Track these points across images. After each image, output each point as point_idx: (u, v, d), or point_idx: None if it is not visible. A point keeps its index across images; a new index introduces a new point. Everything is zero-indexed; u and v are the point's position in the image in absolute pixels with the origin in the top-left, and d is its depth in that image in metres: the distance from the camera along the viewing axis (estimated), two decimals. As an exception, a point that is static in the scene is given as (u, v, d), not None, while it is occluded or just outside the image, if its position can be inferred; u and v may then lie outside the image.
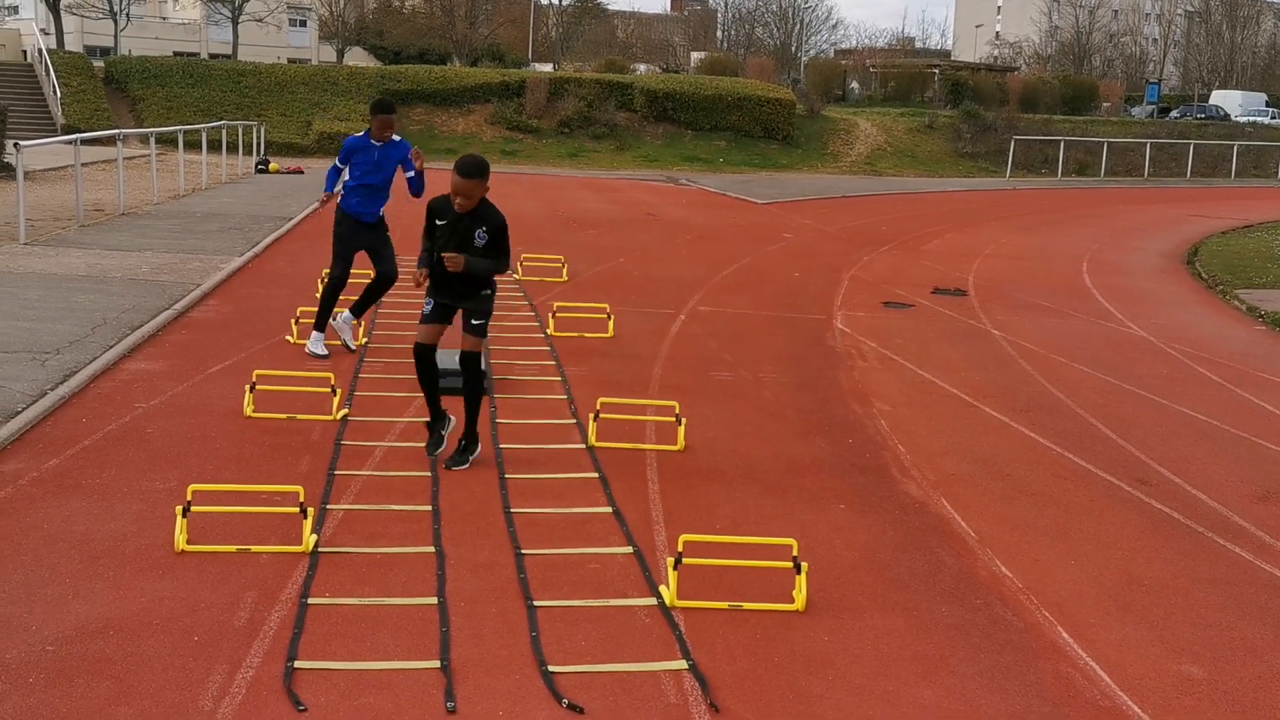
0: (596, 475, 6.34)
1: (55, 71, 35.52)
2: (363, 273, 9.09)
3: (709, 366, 9.24)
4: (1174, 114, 59.01)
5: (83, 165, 16.07)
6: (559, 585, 4.89)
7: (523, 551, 5.23)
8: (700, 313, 11.62)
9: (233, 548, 5.08)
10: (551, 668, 4.17)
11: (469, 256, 6.12)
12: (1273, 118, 59.34)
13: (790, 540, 4.98)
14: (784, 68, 62.80)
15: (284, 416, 7.10)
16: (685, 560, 4.80)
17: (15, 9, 59.34)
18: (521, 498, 5.94)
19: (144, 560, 4.93)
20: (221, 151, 24.96)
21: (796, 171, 38.13)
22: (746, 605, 4.76)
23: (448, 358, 8.13)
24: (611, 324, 10.20)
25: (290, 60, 53.05)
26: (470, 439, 6.42)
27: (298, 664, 4.11)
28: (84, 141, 16.27)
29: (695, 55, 67.09)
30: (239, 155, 27.03)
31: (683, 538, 4.92)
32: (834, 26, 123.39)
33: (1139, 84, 71.55)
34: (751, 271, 14.82)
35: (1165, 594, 5.18)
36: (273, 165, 27.42)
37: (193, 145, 24.76)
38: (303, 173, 27.66)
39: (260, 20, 54.09)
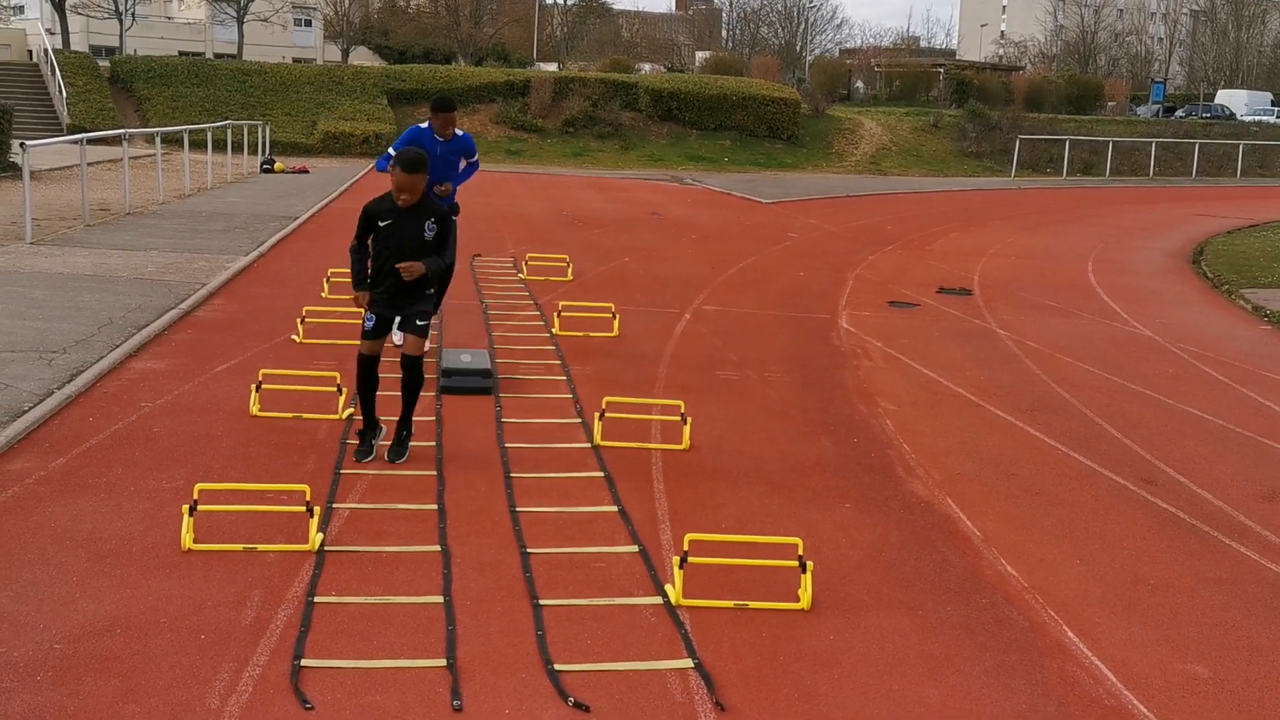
0: (602, 474, 6.35)
1: (61, 71, 35.58)
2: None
3: (714, 366, 9.24)
4: (1179, 113, 58.94)
5: (88, 165, 16.10)
6: (565, 584, 4.90)
7: (528, 550, 5.23)
8: (705, 312, 11.62)
9: (239, 546, 5.09)
10: (557, 666, 4.17)
11: (426, 260, 6.11)
12: (1278, 117, 59.27)
13: (795, 539, 4.99)
14: (789, 67, 62.74)
15: (290, 416, 7.11)
16: (691, 559, 4.80)
17: (21, 8, 59.41)
18: (527, 497, 5.94)
19: (151, 559, 4.94)
20: (227, 151, 24.98)
21: (801, 171, 38.11)
22: (752, 604, 4.77)
23: (453, 356, 8.17)
24: (616, 323, 10.20)
25: (295, 60, 53.07)
26: (408, 428, 6.41)
27: (304, 662, 4.11)
28: (89, 141, 16.29)
29: (700, 55, 67.09)
30: (244, 155, 27.05)
31: (688, 536, 4.92)
32: (839, 26, 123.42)
33: (1144, 83, 71.44)
34: (756, 271, 14.82)
35: (1171, 593, 5.18)
36: (278, 165, 27.44)
37: (198, 145, 24.79)
38: (308, 172, 27.68)
39: (265, 20, 54.17)
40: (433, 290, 6.36)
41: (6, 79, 36.54)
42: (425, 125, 8.62)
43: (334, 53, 61.24)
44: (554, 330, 10.04)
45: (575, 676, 4.12)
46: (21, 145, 14.14)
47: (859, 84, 62.00)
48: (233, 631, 4.33)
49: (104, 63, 39.31)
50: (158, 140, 20.16)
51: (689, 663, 4.26)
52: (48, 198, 18.06)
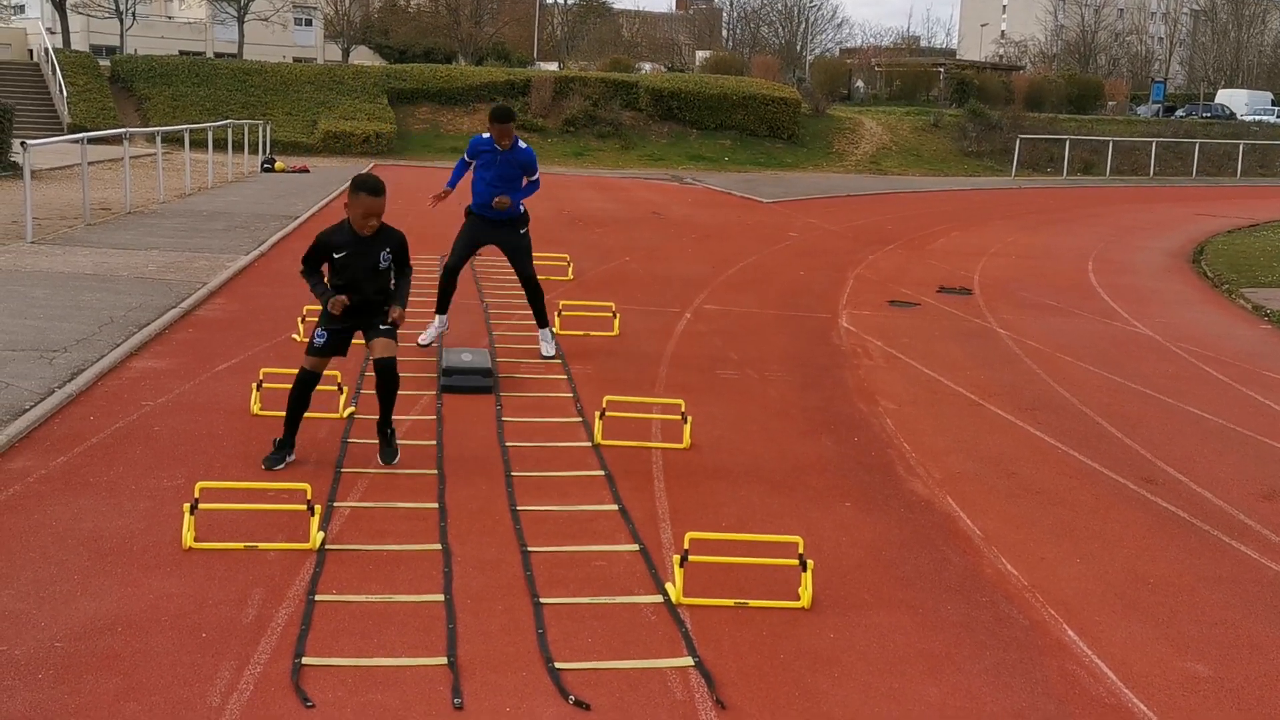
0: (602, 473, 6.35)
1: (61, 70, 35.60)
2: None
3: (714, 365, 9.25)
4: (1179, 113, 58.94)
5: (89, 164, 16.10)
6: (565, 582, 4.90)
7: (529, 549, 5.24)
8: (706, 311, 11.63)
9: (240, 545, 5.10)
10: (558, 665, 4.18)
11: (398, 298, 6.09)
12: (1278, 117, 59.24)
13: (796, 538, 4.99)
14: (789, 67, 62.76)
15: (291, 414, 7.10)
16: (691, 558, 4.80)
17: (21, 8, 59.47)
18: (528, 495, 5.95)
19: (152, 557, 4.95)
20: (227, 150, 24.99)
21: (802, 170, 38.12)
22: (752, 602, 4.77)
23: (454, 355, 8.18)
24: (617, 322, 10.21)
25: (296, 59, 53.10)
26: (391, 426, 6.33)
27: (305, 660, 4.12)
28: (90, 140, 16.30)
29: (700, 54, 67.10)
30: (245, 154, 27.06)
31: (689, 535, 4.93)
32: (839, 25, 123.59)
33: (1144, 83, 71.47)
34: (757, 270, 14.83)
35: (1171, 592, 5.18)
36: (278, 164, 27.45)
37: (199, 144, 24.81)
38: (308, 171, 27.69)
39: (266, 19, 54.20)
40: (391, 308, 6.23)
41: (7, 78, 36.57)
42: (486, 135, 8.66)
43: (334, 52, 61.28)
44: (555, 329, 10.04)
45: (576, 675, 4.13)
46: (22, 144, 14.15)
47: (859, 83, 62.02)
48: (234, 630, 4.34)
49: (105, 62, 39.34)
50: (158, 140, 20.17)
51: (689, 661, 4.27)
52: (48, 197, 18.06)
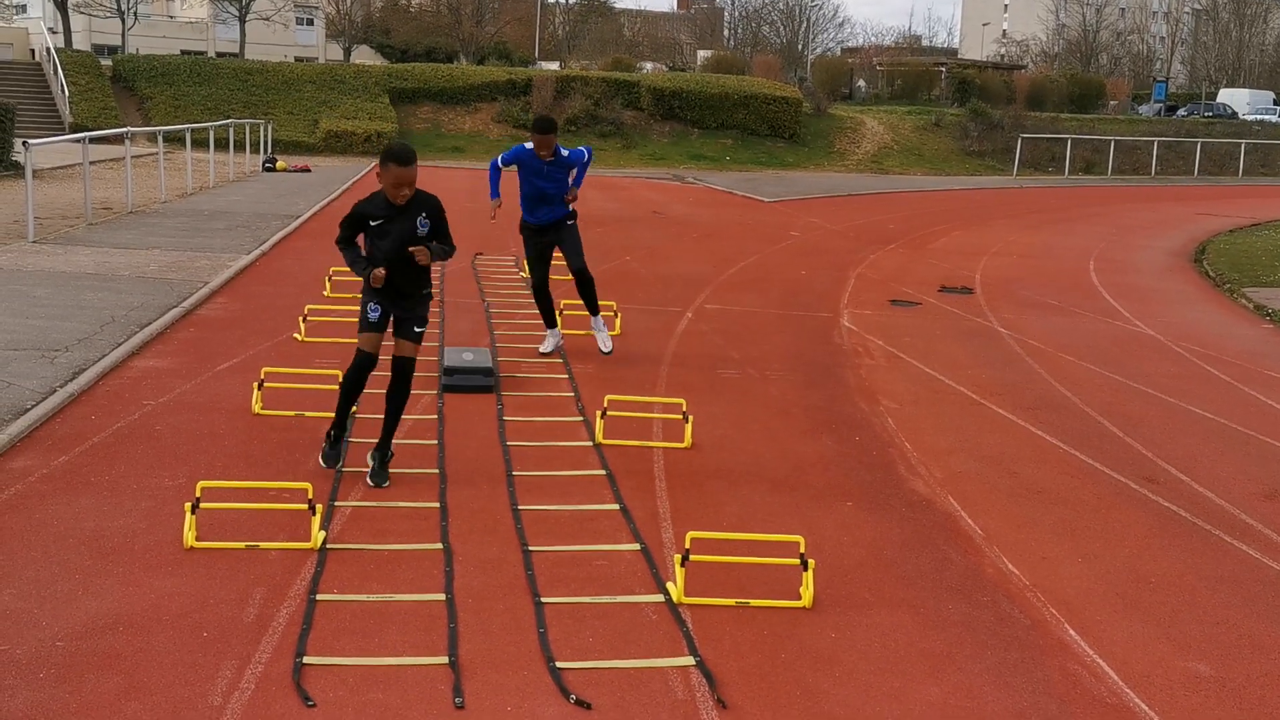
0: (604, 472, 6.35)
1: (63, 70, 35.62)
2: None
3: (716, 364, 9.25)
4: (1181, 112, 58.92)
5: (91, 164, 16.11)
6: (567, 582, 4.90)
7: (530, 548, 5.24)
8: (707, 311, 11.62)
9: (241, 544, 5.10)
10: (559, 664, 4.18)
11: (431, 245, 5.94)
12: (1280, 116, 59.21)
13: (797, 537, 4.99)
14: (790, 66, 62.76)
15: (292, 414, 7.12)
16: (692, 557, 4.80)
17: (23, 8, 59.53)
18: (529, 495, 5.95)
19: (153, 557, 4.95)
20: (229, 150, 24.99)
21: (803, 170, 38.12)
22: (754, 602, 4.77)
23: (455, 355, 8.17)
24: (619, 322, 10.21)
25: (297, 59, 53.13)
26: (390, 447, 6.09)
27: (306, 660, 4.12)
28: (92, 140, 16.30)
29: (702, 54, 67.10)
30: (246, 154, 27.06)
31: (690, 534, 4.93)
32: (841, 25, 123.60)
33: (1146, 82, 71.46)
34: (758, 269, 14.83)
35: (1173, 591, 5.18)
36: (280, 164, 27.46)
37: (200, 144, 24.81)
38: (309, 170, 27.69)
39: (267, 19, 54.21)
40: (428, 291, 6.20)
41: (9, 78, 36.58)
42: (528, 145, 8.64)
43: (336, 51, 61.30)
44: (560, 329, 10.03)
45: (577, 674, 4.12)
46: (24, 144, 14.15)
47: (861, 83, 62.00)
48: (235, 629, 4.34)
49: (106, 62, 39.34)
50: (160, 139, 20.17)
51: (690, 660, 4.27)
52: (50, 196, 18.07)
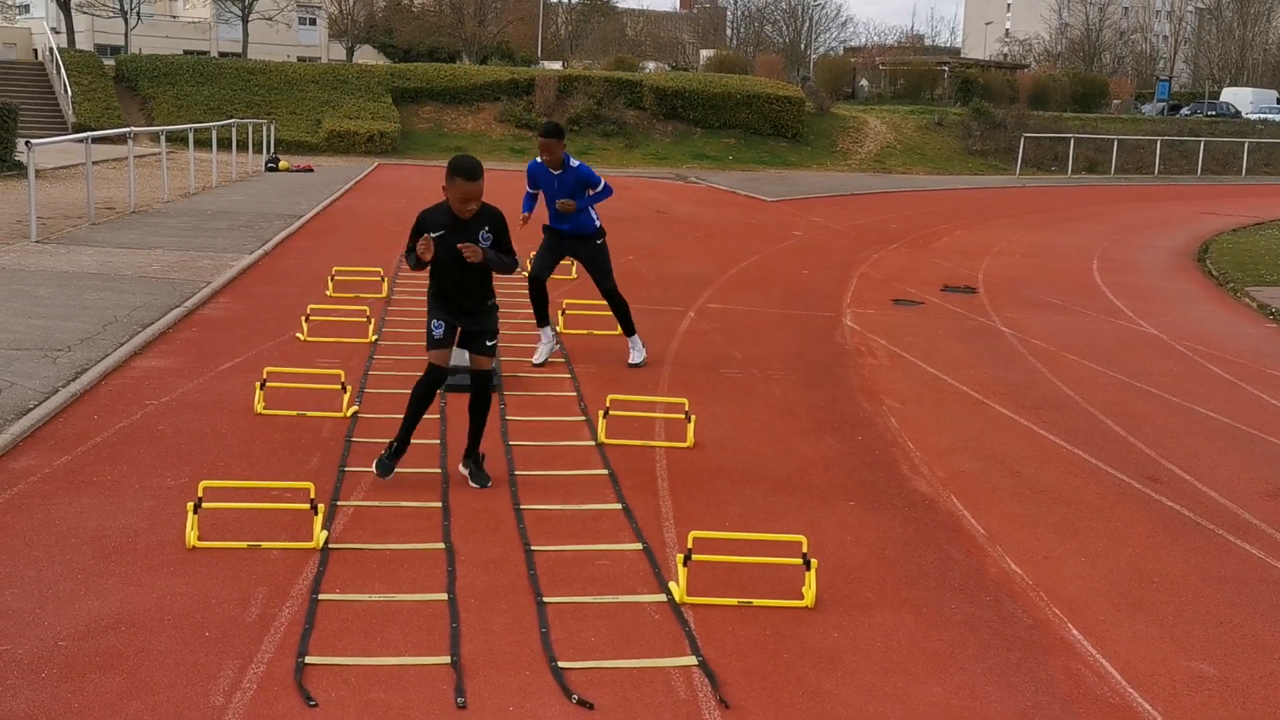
0: (606, 472, 6.35)
1: (66, 70, 35.65)
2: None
3: (718, 364, 9.24)
4: (1184, 111, 58.86)
5: (93, 163, 16.12)
6: (569, 582, 4.90)
7: (532, 548, 5.23)
8: (709, 310, 11.62)
9: (243, 544, 5.10)
10: (561, 664, 4.17)
11: (485, 249, 5.85)
12: (1283, 115, 59.10)
13: (800, 537, 4.98)
14: (793, 65, 62.75)
15: (294, 413, 7.12)
16: (695, 557, 4.80)
17: (26, 8, 59.61)
18: (531, 494, 5.95)
19: (155, 556, 4.95)
20: (231, 150, 25.02)
21: (806, 169, 38.10)
22: (756, 602, 4.76)
23: (457, 355, 8.16)
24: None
25: (300, 58, 53.17)
26: (479, 451, 6.19)
27: (308, 659, 4.12)
28: (95, 140, 16.33)
29: (704, 53, 67.11)
30: (249, 153, 27.08)
31: (692, 534, 4.92)
32: (843, 24, 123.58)
33: (1149, 81, 71.42)
34: (761, 269, 14.82)
35: (1175, 591, 5.17)
36: (282, 163, 27.47)
37: (203, 143, 24.82)
38: (312, 170, 27.71)
39: (270, 19, 54.29)
40: (494, 302, 6.11)
41: (12, 78, 36.62)
42: (539, 160, 8.64)
43: (338, 51, 61.36)
44: (558, 328, 10.03)
45: (579, 674, 4.12)
46: (27, 144, 14.15)
47: (863, 82, 61.96)
48: (237, 629, 4.34)
49: (109, 62, 39.40)
50: (162, 139, 20.20)
51: (693, 660, 4.26)
52: (53, 196, 18.08)
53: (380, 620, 4.47)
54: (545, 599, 4.70)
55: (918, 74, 56.74)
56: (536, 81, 40.72)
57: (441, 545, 5.21)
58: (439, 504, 5.73)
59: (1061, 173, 41.24)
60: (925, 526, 5.82)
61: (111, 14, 50.11)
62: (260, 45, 54.77)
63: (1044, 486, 6.56)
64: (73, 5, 46.84)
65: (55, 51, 37.13)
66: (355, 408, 7.28)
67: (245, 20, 51.90)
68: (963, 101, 48.94)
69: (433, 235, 5.82)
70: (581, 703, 3.92)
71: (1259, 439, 7.81)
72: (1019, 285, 14.41)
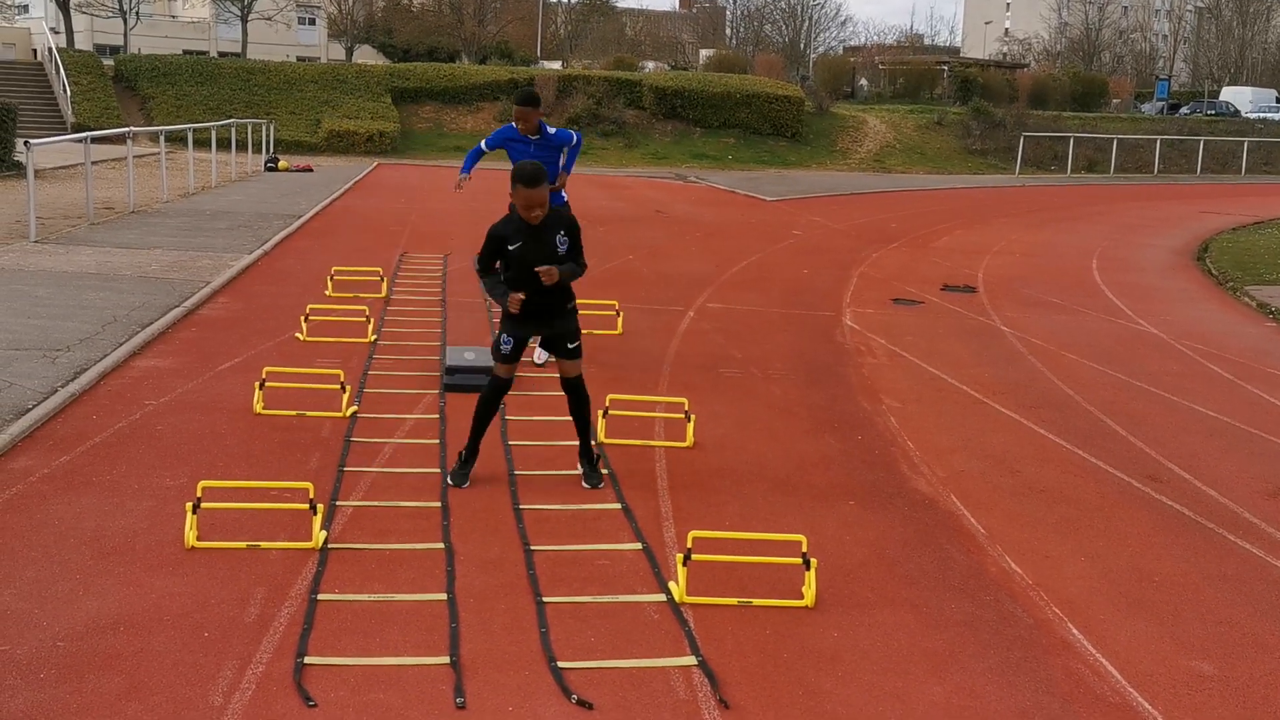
0: (605, 472, 6.34)
1: (65, 70, 35.65)
2: None
3: (718, 363, 9.24)
4: (1184, 110, 58.88)
5: (93, 163, 16.11)
6: (568, 581, 4.89)
7: (532, 548, 5.23)
8: (709, 310, 11.61)
9: (242, 544, 5.09)
10: (561, 664, 4.17)
11: (561, 267, 5.79)
12: (1283, 114, 59.10)
13: (799, 536, 4.98)
14: (793, 65, 62.76)
15: (294, 413, 7.11)
16: (694, 556, 4.79)
17: (25, 7, 59.60)
18: (530, 494, 5.94)
19: (154, 557, 4.95)
20: (231, 150, 25.01)
21: (805, 168, 38.10)
22: (756, 601, 4.76)
23: (457, 354, 8.16)
24: (620, 321, 10.20)
25: (299, 58, 53.16)
26: (592, 450, 6.20)
27: (307, 660, 4.11)
28: (94, 140, 16.31)
29: (704, 53, 67.11)
30: (248, 153, 27.07)
31: (692, 534, 4.91)
32: (843, 24, 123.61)
33: (1149, 80, 71.42)
34: (760, 268, 14.81)
35: (1176, 590, 5.16)
36: (282, 163, 27.47)
37: (202, 143, 24.81)
38: (311, 170, 27.70)
39: (269, 19, 54.26)
40: (573, 304, 6.07)
41: (11, 78, 36.61)
42: (514, 124, 8.53)
43: (338, 51, 61.35)
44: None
45: (578, 674, 4.12)
46: (26, 144, 14.14)
47: (863, 81, 61.96)
48: (236, 629, 4.33)
49: (108, 61, 39.38)
50: (162, 139, 20.18)
51: (692, 660, 4.26)
52: (52, 196, 18.08)
53: (379, 620, 4.46)
54: (545, 599, 4.70)
55: (917, 73, 56.73)
56: (536, 81, 40.71)
57: (441, 545, 5.21)
58: (438, 504, 5.72)
59: (1061, 172, 41.23)
60: (925, 526, 5.81)
61: (111, 14, 50.08)
62: (259, 45, 54.75)
63: (1044, 486, 6.56)
64: (72, 5, 46.82)
65: (54, 51, 37.12)
66: (354, 408, 7.27)
67: (244, 20, 51.89)
68: (962, 101, 48.94)
69: (511, 247, 5.78)
70: (581, 703, 3.92)
71: (1259, 438, 7.81)
72: (1019, 284, 14.41)
